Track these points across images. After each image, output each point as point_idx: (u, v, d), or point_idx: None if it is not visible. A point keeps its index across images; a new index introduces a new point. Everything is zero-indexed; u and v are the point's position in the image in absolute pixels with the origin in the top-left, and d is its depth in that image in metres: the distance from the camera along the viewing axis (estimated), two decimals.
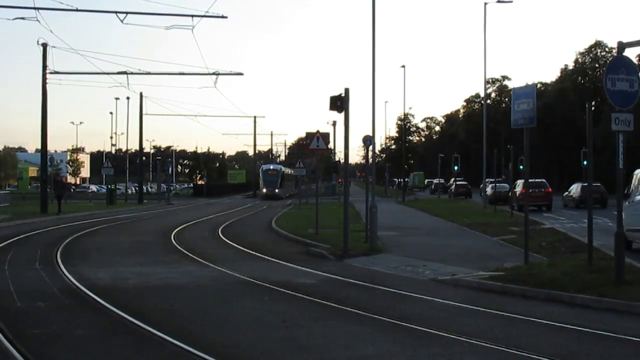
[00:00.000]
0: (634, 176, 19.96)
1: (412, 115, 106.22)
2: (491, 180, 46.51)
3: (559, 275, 13.68)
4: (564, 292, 12.52)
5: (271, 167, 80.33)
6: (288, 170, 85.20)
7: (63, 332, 10.17)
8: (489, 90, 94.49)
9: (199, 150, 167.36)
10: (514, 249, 20.36)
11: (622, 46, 13.61)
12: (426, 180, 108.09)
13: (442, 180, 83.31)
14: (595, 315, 11.21)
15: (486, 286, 13.95)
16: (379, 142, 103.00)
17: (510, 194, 41.68)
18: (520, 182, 39.30)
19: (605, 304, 11.68)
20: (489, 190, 47.58)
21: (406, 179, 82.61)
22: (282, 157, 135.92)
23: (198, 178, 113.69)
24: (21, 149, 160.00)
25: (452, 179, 71.60)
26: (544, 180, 41.24)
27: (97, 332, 10.23)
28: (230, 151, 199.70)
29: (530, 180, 33.27)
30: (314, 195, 33.96)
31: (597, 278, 13.15)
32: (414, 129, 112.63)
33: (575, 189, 44.07)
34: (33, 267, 17.17)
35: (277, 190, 74.66)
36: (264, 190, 75.10)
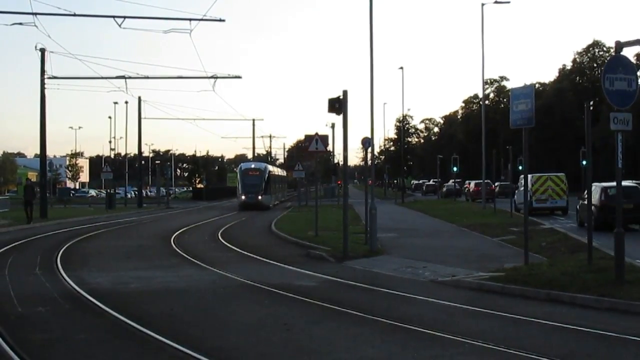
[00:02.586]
0: (521, 178, 34.78)
1: (411, 117, 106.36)
2: (454, 180, 65.29)
3: (559, 276, 13.69)
4: (564, 292, 12.53)
5: (252, 167, 61.45)
6: (277, 171, 72.34)
7: (64, 336, 10.18)
8: (487, 91, 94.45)
9: (197, 154, 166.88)
10: (513, 250, 20.36)
11: (620, 46, 13.63)
12: (412, 182, 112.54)
13: (420, 181, 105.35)
14: (596, 315, 11.22)
15: (486, 287, 13.96)
16: (378, 144, 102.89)
17: (465, 190, 62.33)
18: (472, 182, 57.94)
19: (606, 304, 11.68)
20: (445, 188, 70.46)
21: (396, 180, 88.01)
22: (281, 160, 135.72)
23: (197, 181, 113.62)
24: (20, 155, 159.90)
25: (430, 180, 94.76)
26: (488, 180, 52.35)
27: (97, 336, 10.23)
28: (230, 154, 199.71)
29: (477, 181, 52.11)
30: (314, 197, 33.95)
31: (597, 278, 13.15)
32: (413, 130, 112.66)
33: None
34: (33, 272, 17.15)
35: (260, 197, 56.63)
36: (243, 197, 56.94)
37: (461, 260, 18.45)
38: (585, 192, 24.75)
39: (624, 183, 25.50)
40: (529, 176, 33.98)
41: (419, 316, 11.30)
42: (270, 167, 63.93)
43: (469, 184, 60.00)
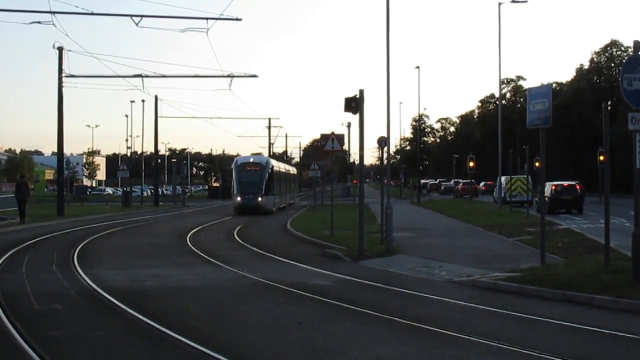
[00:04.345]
0: (499, 178, 49.34)
1: (427, 116, 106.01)
2: (454, 180, 79.25)
3: (576, 276, 13.61)
4: (581, 293, 12.45)
5: (250, 161, 49.56)
6: (283, 167, 59.64)
7: (80, 333, 10.23)
8: (504, 91, 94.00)
9: (213, 153, 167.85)
10: (530, 250, 20.26)
11: (638, 45, 13.52)
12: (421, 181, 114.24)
13: (426, 181, 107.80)
14: (613, 316, 11.14)
15: (502, 287, 13.89)
16: (394, 143, 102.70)
17: (455, 189, 75.83)
18: (461, 181, 73.60)
19: (623, 305, 11.60)
20: (442, 187, 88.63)
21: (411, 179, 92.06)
22: (297, 159, 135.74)
23: (213, 180, 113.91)
24: (37, 152, 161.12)
25: (437, 180, 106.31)
26: (473, 180, 65.17)
27: (114, 333, 10.27)
28: (246, 153, 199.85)
29: (464, 181, 70.85)
30: (329, 196, 33.93)
31: (615, 279, 13.07)
32: (429, 129, 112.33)
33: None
34: (50, 270, 17.26)
35: (260, 199, 45.54)
36: (238, 198, 45.83)
37: (477, 260, 18.38)
38: (544, 187, 37.19)
39: (567, 183, 40.13)
40: (503, 177, 47.99)
41: (435, 316, 11.26)
42: (273, 162, 51.80)
43: (459, 182, 76.39)
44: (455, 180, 79.38)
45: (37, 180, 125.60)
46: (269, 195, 46.90)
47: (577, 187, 40.46)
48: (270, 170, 47.64)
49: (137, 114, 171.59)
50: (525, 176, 45.15)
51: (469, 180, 60.83)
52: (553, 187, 37.83)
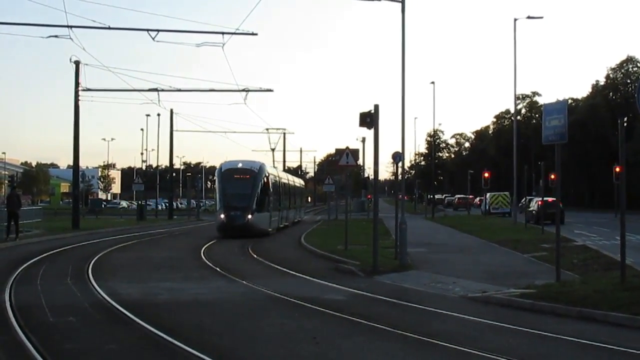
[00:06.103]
0: (486, 194, 60.42)
1: (442, 132, 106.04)
2: (459, 195, 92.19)
3: (592, 293, 13.51)
4: (596, 310, 12.36)
5: (239, 166, 38.06)
6: (283, 176, 48.03)
7: (94, 347, 10.24)
8: (519, 106, 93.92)
9: None
10: (545, 266, 20.16)
11: None
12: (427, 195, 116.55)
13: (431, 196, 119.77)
14: (629, 334, 11.05)
15: (517, 303, 13.82)
16: (409, 159, 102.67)
17: (454, 202, 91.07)
18: (456, 196, 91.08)
19: (639, 323, 11.50)
20: (445, 201, 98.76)
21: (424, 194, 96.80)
22: (312, 173, 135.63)
23: None
24: (53, 165, 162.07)
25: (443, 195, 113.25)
26: (471, 195, 78.69)
27: (127, 347, 10.29)
28: None
29: (459, 196, 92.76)
30: (344, 211, 33.86)
31: (631, 296, 12.97)
32: (444, 145, 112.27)
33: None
34: (64, 282, 17.32)
35: (250, 217, 35.69)
36: (222, 215, 35.89)
37: (491, 276, 18.30)
38: (528, 200, 46.83)
39: (550, 198, 41.86)
40: (488, 194, 61.18)
41: (448, 332, 11.22)
42: (269, 169, 40.87)
43: (455, 197, 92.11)
44: (458, 196, 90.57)
45: (52, 193, 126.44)
46: (262, 211, 36.90)
47: (559, 202, 47.31)
48: (265, 179, 37.41)
49: (153, 127, 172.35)
50: (506, 193, 56.16)
51: (463, 195, 73.81)
52: (539, 202, 41.56)
